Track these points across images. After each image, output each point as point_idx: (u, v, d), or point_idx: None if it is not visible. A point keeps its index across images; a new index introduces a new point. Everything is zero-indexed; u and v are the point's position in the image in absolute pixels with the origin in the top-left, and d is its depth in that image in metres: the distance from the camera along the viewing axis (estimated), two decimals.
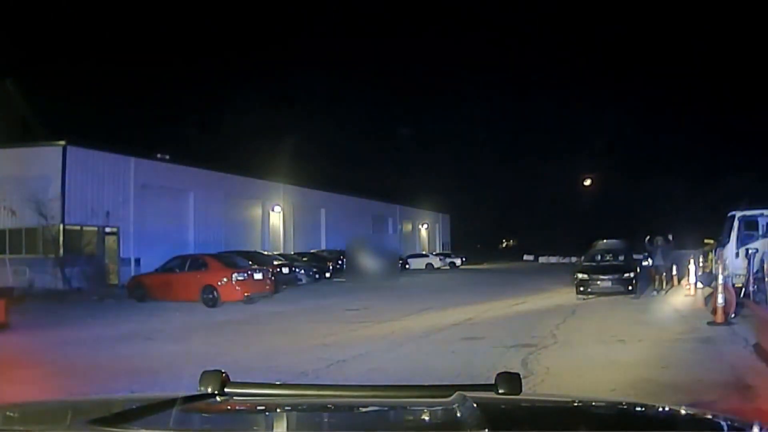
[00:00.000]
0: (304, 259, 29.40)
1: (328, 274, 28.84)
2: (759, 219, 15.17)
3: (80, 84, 40.22)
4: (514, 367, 4.58)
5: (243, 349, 9.32)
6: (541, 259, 57.01)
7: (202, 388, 1.61)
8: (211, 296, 16.29)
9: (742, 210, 15.26)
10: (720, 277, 10.89)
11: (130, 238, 25.00)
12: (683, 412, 1.77)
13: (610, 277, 16.46)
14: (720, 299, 10.60)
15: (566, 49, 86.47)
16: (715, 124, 68.50)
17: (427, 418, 1.68)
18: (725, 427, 1.50)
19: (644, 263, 20.09)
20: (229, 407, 1.66)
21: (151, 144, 31.35)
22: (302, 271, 26.21)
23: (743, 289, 12.63)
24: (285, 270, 24.01)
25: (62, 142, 23.09)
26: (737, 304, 11.15)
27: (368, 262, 29.59)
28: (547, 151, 77.56)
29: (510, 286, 22.11)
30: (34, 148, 23.90)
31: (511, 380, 1.60)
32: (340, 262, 31.35)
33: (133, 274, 21.57)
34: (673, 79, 76.20)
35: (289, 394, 1.79)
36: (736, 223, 15.01)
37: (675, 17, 75.79)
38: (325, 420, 1.69)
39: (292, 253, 31.47)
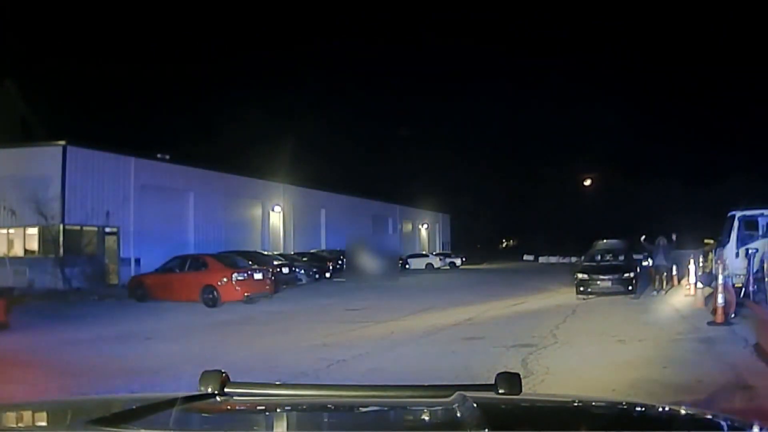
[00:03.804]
0: (304, 259, 29.38)
1: (328, 274, 28.83)
2: (759, 219, 15.16)
3: (80, 84, 40.29)
4: (514, 367, 4.58)
5: (243, 349, 9.32)
6: (541, 259, 56.96)
7: (202, 388, 1.61)
8: (211, 296, 16.29)
9: (742, 210, 15.25)
10: (720, 277, 10.88)
11: (130, 238, 24.99)
12: (683, 412, 1.77)
13: (610, 277, 16.45)
14: (720, 299, 10.59)
15: (566, 48, 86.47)
16: (715, 123, 68.50)
17: (427, 418, 1.68)
18: (725, 427, 1.50)
19: (644, 263, 20.08)
20: (229, 407, 1.66)
21: (151, 144, 31.40)
22: (302, 271, 26.20)
23: (743, 289, 12.61)
24: (285, 270, 24.00)
25: (62, 142, 23.07)
26: (737, 304, 11.13)
27: (368, 262, 29.58)
28: (547, 151, 77.56)
29: (510, 286, 22.11)
30: (34, 148, 23.90)
31: (511, 380, 1.60)
32: (340, 262, 31.35)
33: (133, 274, 21.57)
34: (674, 79, 76.21)
35: (289, 394, 1.79)
36: (736, 223, 14.99)
37: (674, 18, 75.80)
38: (325, 420, 1.69)
39: (292, 253, 31.46)
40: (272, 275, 18.40)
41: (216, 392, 1.60)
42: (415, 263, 42.00)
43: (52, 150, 23.02)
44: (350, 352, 8.72)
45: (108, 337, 10.83)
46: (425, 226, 58.12)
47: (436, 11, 79.09)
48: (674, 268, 18.97)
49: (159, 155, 28.57)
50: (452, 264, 45.12)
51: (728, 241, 14.99)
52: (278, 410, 1.70)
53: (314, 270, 27.54)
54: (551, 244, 58.73)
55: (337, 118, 61.36)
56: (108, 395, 3.40)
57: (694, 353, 8.17)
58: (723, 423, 1.53)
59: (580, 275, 16.68)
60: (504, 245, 78.28)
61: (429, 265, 42.56)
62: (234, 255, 20.46)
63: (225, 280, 16.38)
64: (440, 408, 1.60)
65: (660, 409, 1.80)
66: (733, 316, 10.70)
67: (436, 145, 70.89)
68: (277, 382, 1.84)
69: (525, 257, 59.78)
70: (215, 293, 16.27)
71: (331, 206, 41.12)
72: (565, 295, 17.13)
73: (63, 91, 36.28)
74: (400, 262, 38.11)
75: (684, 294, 16.89)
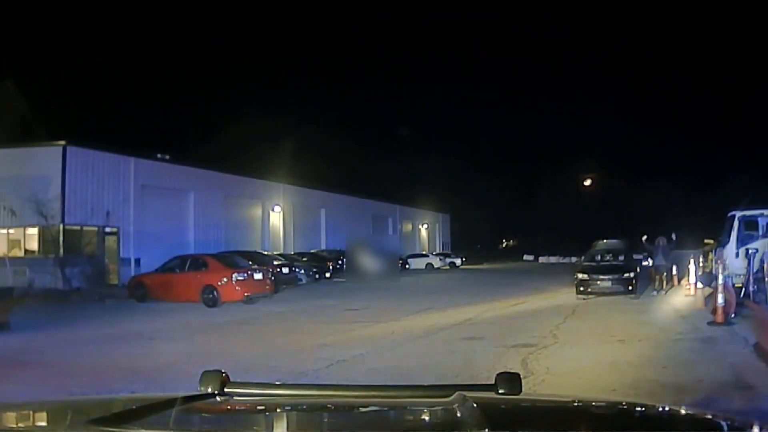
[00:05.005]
0: (304, 259, 29.38)
1: (328, 274, 28.83)
2: (759, 219, 15.16)
3: (80, 84, 40.27)
4: (514, 367, 4.58)
5: (243, 349, 9.32)
6: (541, 259, 56.94)
7: (202, 388, 1.61)
8: (211, 296, 16.28)
9: (742, 210, 15.25)
10: (720, 277, 10.88)
11: (130, 238, 24.98)
12: (683, 412, 1.77)
13: (610, 277, 16.44)
14: (720, 299, 10.58)
15: (566, 48, 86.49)
16: (715, 123, 68.53)
17: (427, 418, 1.68)
18: (725, 427, 1.50)
19: (644, 263, 20.07)
20: (229, 407, 1.66)
21: (151, 144, 31.39)
22: (302, 271, 26.19)
23: (743, 289, 12.61)
24: (285, 270, 23.99)
25: (62, 142, 23.06)
26: (737, 304, 11.13)
27: (368, 262, 29.58)
28: (547, 151, 77.65)
29: (510, 286, 22.09)
30: (34, 148, 23.87)
31: (511, 380, 1.60)
32: (340, 262, 31.35)
33: (133, 274, 21.56)
34: (674, 79, 76.22)
35: (289, 394, 1.79)
36: (736, 223, 14.99)
37: (674, 18, 75.80)
38: (325, 420, 1.69)
39: (292, 253, 31.45)
40: (272, 275, 18.39)
41: (216, 392, 1.60)
42: (415, 263, 41.98)
43: (52, 150, 23.01)
44: (350, 352, 8.72)
45: (108, 337, 10.82)
46: (425, 226, 58.10)
47: (436, 11, 79.13)
48: (674, 268, 18.98)
49: (159, 155, 28.56)
50: (452, 264, 45.10)
51: (728, 241, 14.99)
52: (278, 410, 1.70)
53: (314, 270, 27.53)
54: (551, 244, 58.77)
55: (337, 118, 61.42)
56: (108, 395, 3.40)
57: (694, 353, 8.16)
58: (723, 423, 1.53)
59: (580, 275, 16.67)
60: (504, 245, 78.27)
61: (429, 265, 42.54)
62: (234, 255, 20.45)
63: (225, 280, 16.37)
64: (440, 408, 1.60)
65: (660, 409, 1.80)
66: (733, 316, 10.70)
67: (436, 145, 70.99)
68: (277, 382, 1.84)
69: (525, 257, 59.76)
70: (215, 293, 16.27)
71: (331, 206, 41.10)
72: (565, 295, 17.12)
73: (63, 91, 36.28)
74: (400, 262, 38.10)
75: (684, 294, 16.89)
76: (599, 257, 18.34)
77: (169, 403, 1.50)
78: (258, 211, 34.82)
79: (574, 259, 29.18)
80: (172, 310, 15.30)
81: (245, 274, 16.85)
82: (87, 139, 25.23)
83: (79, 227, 23.21)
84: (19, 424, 1.59)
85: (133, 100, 46.33)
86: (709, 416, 1.62)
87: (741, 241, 14.62)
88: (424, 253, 48.05)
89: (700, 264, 18.41)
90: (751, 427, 1.42)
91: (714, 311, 10.83)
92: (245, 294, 16.44)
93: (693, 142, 65.31)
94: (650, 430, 1.58)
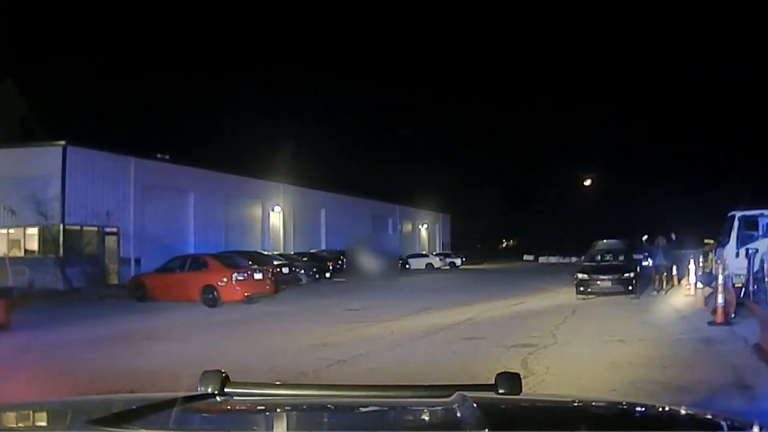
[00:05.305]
0: (304, 259, 29.37)
1: (328, 274, 28.83)
2: (759, 219, 15.17)
3: (80, 84, 40.25)
4: (514, 367, 4.59)
5: (243, 349, 9.32)
6: (541, 259, 56.94)
7: (202, 388, 1.61)
8: (211, 296, 16.28)
9: (742, 210, 15.24)
10: (720, 277, 10.88)
11: (130, 238, 25.00)
12: (683, 412, 1.77)
13: (610, 277, 16.43)
14: (720, 299, 10.59)
15: (566, 48, 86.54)
16: (715, 123, 68.53)
17: (427, 418, 1.68)
18: (725, 427, 1.50)
19: (644, 263, 20.07)
20: (229, 407, 1.66)
21: (151, 144, 31.41)
22: (302, 271, 26.19)
23: (743, 289, 12.61)
24: (285, 270, 23.98)
25: (62, 142, 23.09)
26: (737, 304, 11.13)
27: (368, 262, 29.56)
28: (547, 151, 77.57)
29: (510, 286, 22.09)
30: (34, 148, 23.91)
31: (511, 380, 1.60)
32: (340, 262, 31.35)
33: (133, 274, 21.57)
34: (674, 79, 76.22)
35: (289, 394, 1.80)
36: (736, 223, 14.99)
37: (674, 18, 75.83)
38: (325, 420, 1.69)
39: (292, 253, 31.46)
40: (272, 275, 18.38)
41: (216, 392, 1.60)
42: (415, 263, 41.97)
43: (52, 150, 23.03)
44: (350, 352, 8.72)
45: (108, 337, 10.83)
46: (425, 226, 58.08)
47: (436, 11, 79.11)
48: (674, 268, 18.97)
49: (159, 155, 28.59)
50: (452, 264, 45.08)
51: (728, 241, 14.98)
52: (278, 410, 1.70)
53: (314, 270, 27.53)
54: (551, 244, 58.75)
55: (337, 118, 61.42)
56: (108, 395, 3.40)
57: (694, 353, 8.17)
58: (723, 423, 1.52)
59: (580, 275, 16.66)
60: (504, 245, 78.27)
61: (429, 265, 42.52)
62: (234, 255, 20.45)
63: (225, 280, 16.37)
64: (440, 408, 1.60)
65: (660, 409, 1.80)
66: (733, 316, 10.70)
67: (436, 144, 70.96)
68: (277, 382, 1.84)
69: (525, 257, 59.76)
70: (215, 293, 16.26)
71: (331, 206, 41.11)
72: (565, 295, 17.11)
73: (63, 91, 36.28)
74: (400, 262, 38.09)
75: (684, 294, 16.89)
76: (599, 257, 18.33)
77: (169, 403, 1.50)
78: (258, 211, 34.82)
79: (574, 259, 29.24)
80: (172, 310, 15.30)
81: (245, 274, 16.84)
82: (87, 139, 25.28)
83: (79, 227, 23.23)
84: (19, 424, 1.59)
85: (133, 100, 46.33)
86: (709, 416, 1.62)
87: (741, 241, 14.61)
88: (424, 253, 48.04)
89: (700, 264, 18.41)
90: (751, 427, 1.42)
91: (714, 311, 10.83)
92: (245, 294, 16.44)
93: (692, 143, 65.23)
94: (650, 430, 1.58)
